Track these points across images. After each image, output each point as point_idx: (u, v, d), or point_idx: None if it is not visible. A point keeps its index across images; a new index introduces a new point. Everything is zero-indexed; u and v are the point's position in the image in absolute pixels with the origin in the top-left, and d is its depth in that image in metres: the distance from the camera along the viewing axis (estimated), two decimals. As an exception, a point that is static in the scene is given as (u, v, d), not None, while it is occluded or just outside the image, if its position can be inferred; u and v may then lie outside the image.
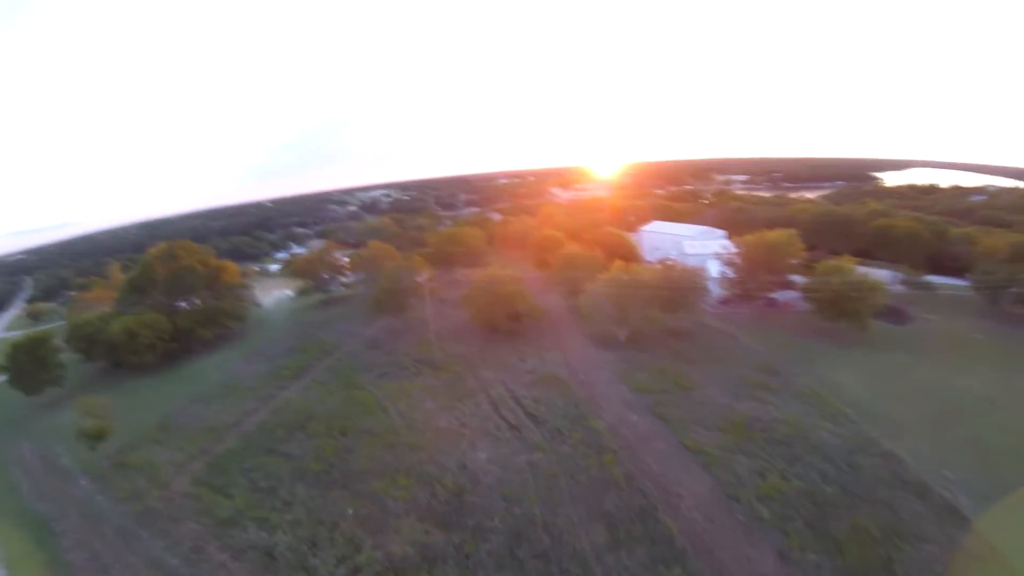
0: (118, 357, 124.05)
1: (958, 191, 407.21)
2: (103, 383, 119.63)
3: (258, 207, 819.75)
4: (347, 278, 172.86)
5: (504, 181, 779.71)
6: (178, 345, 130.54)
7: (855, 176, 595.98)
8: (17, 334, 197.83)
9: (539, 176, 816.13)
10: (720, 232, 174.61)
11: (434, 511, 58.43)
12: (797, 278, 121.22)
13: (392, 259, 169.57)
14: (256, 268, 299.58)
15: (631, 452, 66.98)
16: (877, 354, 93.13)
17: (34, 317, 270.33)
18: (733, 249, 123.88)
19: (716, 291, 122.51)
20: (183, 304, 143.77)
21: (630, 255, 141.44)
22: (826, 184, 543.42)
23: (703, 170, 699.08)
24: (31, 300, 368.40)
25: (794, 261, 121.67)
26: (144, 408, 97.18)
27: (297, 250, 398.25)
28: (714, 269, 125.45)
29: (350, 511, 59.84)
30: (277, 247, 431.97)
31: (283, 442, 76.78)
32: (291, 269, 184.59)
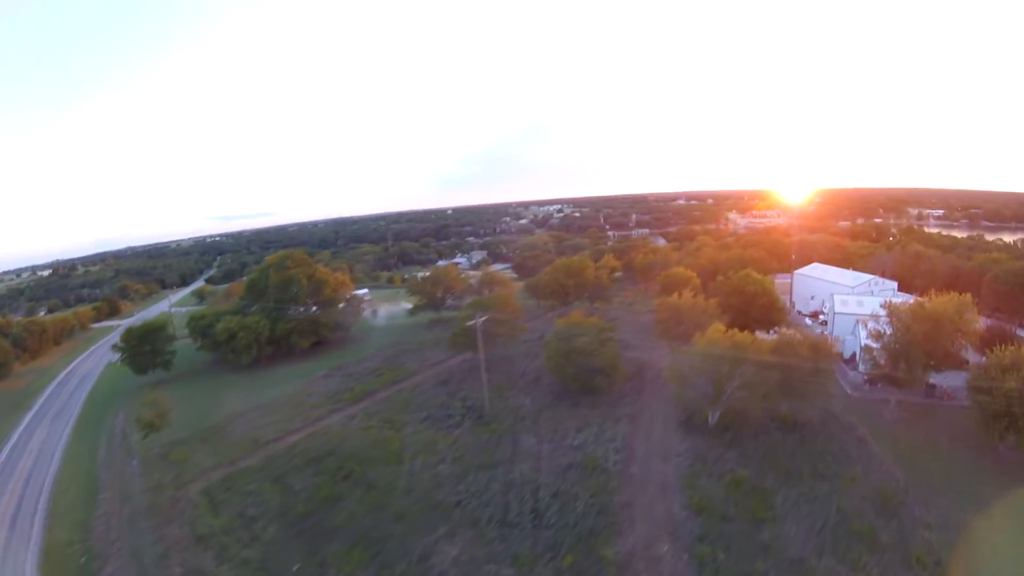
0: (221, 353, 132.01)
1: None
2: (203, 374, 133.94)
3: (439, 215, 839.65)
4: (462, 299, 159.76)
5: (682, 203, 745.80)
6: (273, 349, 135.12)
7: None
8: (184, 310, 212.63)
9: (719, 199, 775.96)
10: (890, 284, 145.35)
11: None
12: (972, 355, 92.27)
13: (506, 286, 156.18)
14: (405, 275, 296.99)
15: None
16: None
17: (200, 296, 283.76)
18: (893, 310, 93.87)
19: (862, 366, 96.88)
20: (293, 311, 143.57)
21: (770, 306, 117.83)
22: None
23: (898, 201, 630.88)
24: (209, 280, 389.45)
25: (965, 336, 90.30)
26: (218, 405, 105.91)
27: (459, 260, 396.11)
28: (865, 336, 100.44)
29: (295, 567, 56.29)
30: (442, 255, 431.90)
31: (294, 473, 75.37)
32: (410, 285, 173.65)
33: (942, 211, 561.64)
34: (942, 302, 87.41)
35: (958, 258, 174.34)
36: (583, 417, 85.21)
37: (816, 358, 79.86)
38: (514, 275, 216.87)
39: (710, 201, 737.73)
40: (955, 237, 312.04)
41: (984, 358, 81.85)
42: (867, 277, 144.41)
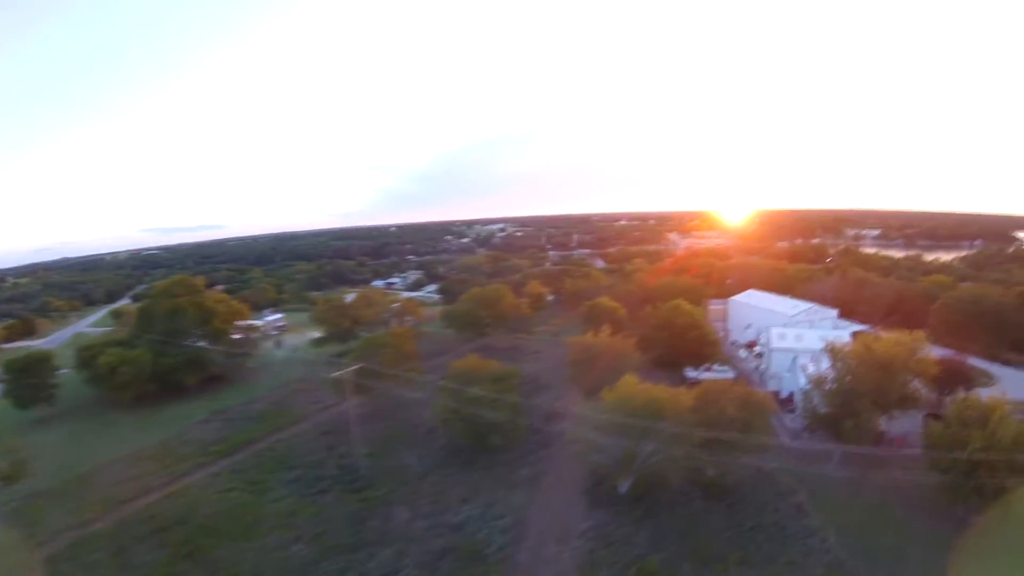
0: (103, 388, 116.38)
1: None
2: (88, 411, 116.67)
3: (381, 232, 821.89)
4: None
5: (624, 223, 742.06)
6: (158, 386, 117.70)
7: (996, 235, 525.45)
8: (97, 331, 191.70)
9: (661, 219, 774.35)
10: (830, 312, 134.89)
11: None
12: (925, 390, 78.76)
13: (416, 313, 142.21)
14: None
15: None
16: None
17: (116, 316, 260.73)
18: (837, 353, 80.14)
19: (803, 410, 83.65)
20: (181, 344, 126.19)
21: (701, 339, 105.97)
22: (965, 244, 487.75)
23: (836, 222, 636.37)
24: (136, 297, 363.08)
25: (921, 378, 76.76)
26: (93, 450, 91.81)
27: (394, 280, 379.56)
28: (805, 380, 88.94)
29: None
30: (379, 274, 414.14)
31: (138, 544, 63.39)
32: (316, 313, 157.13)
33: (879, 231, 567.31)
34: (892, 343, 75.72)
35: (901, 282, 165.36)
36: (474, 483, 71.30)
37: (749, 414, 66.10)
38: (440, 299, 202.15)
39: (652, 222, 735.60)
40: (893, 257, 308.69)
41: (938, 395, 70.36)
42: (806, 305, 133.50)
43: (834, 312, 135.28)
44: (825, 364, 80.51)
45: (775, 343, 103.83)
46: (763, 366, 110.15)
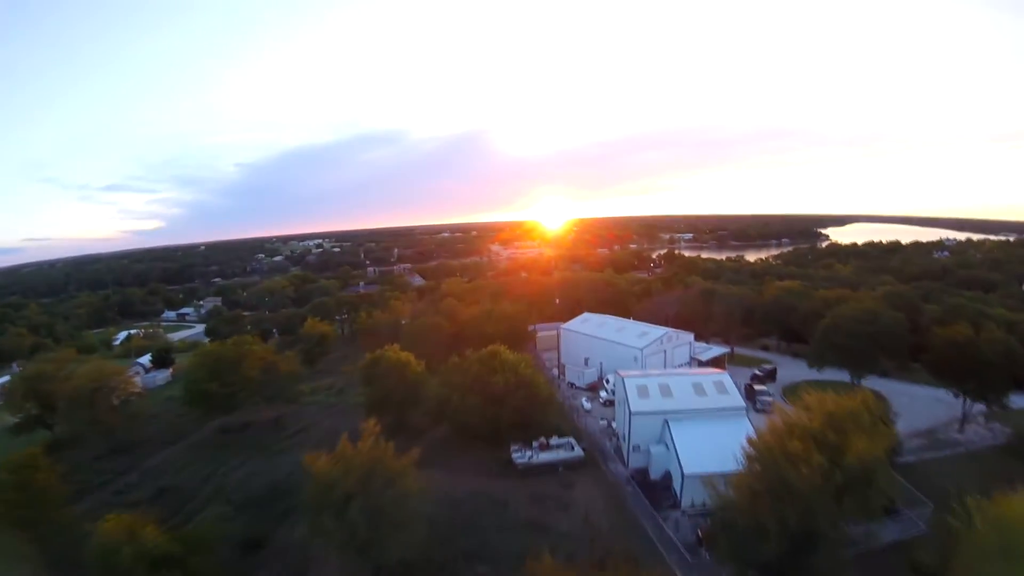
0: None
1: (919, 247, 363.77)
2: None
3: (188, 251, 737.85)
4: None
5: (447, 235, 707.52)
6: None
7: (801, 232, 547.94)
8: None
9: (483, 231, 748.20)
10: (686, 337, 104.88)
11: None
12: None
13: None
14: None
15: None
16: None
17: None
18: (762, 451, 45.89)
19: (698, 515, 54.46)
20: None
21: (531, 400, 71.26)
22: (773, 241, 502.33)
23: (648, 227, 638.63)
24: None
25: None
26: None
27: (187, 311, 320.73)
28: (692, 461, 56.49)
29: None
30: (172, 304, 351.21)
31: None
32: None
33: (691, 234, 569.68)
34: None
35: (747, 290, 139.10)
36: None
37: None
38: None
39: (474, 233, 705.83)
40: (717, 260, 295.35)
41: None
42: (658, 331, 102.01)
43: (689, 336, 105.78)
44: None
45: (635, 404, 69.14)
46: (619, 429, 76.09)
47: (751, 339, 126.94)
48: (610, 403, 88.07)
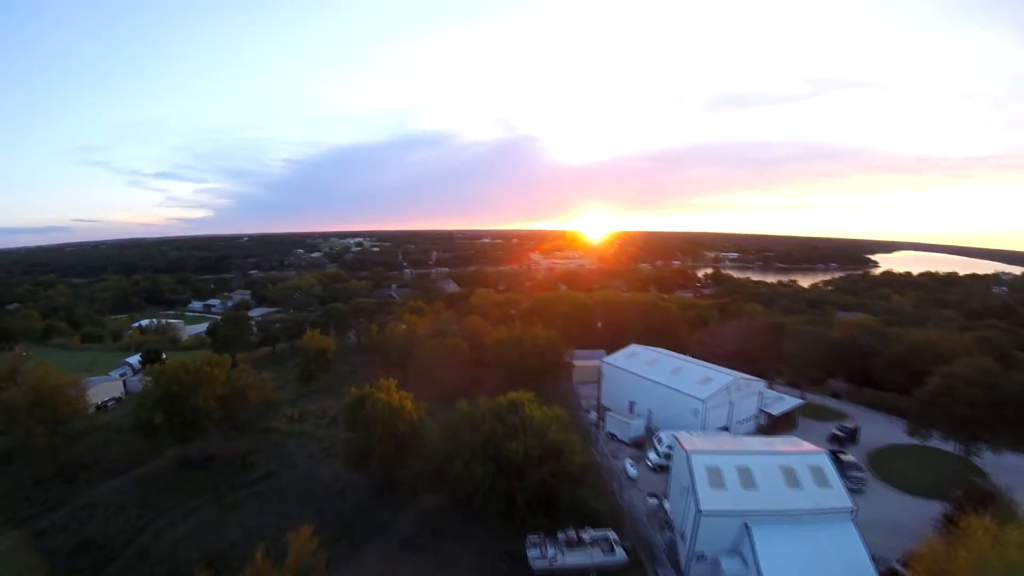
0: None
1: (977, 280, 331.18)
2: None
3: (230, 242, 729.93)
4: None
5: (487, 241, 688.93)
6: None
7: (848, 258, 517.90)
8: None
9: (523, 239, 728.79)
10: (756, 385, 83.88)
11: None
12: None
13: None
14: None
15: None
16: None
17: None
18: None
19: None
20: None
21: (560, 477, 51.98)
22: (820, 266, 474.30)
23: (691, 244, 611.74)
24: None
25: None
26: None
27: (213, 303, 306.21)
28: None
29: None
30: (200, 294, 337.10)
31: None
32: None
33: (736, 254, 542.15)
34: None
35: (820, 328, 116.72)
36: None
37: None
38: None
39: (515, 241, 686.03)
40: (769, 283, 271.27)
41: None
42: (724, 376, 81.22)
43: (760, 383, 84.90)
44: None
45: (705, 497, 48.64)
46: (675, 518, 55.76)
47: (819, 382, 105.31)
48: (661, 469, 68.12)
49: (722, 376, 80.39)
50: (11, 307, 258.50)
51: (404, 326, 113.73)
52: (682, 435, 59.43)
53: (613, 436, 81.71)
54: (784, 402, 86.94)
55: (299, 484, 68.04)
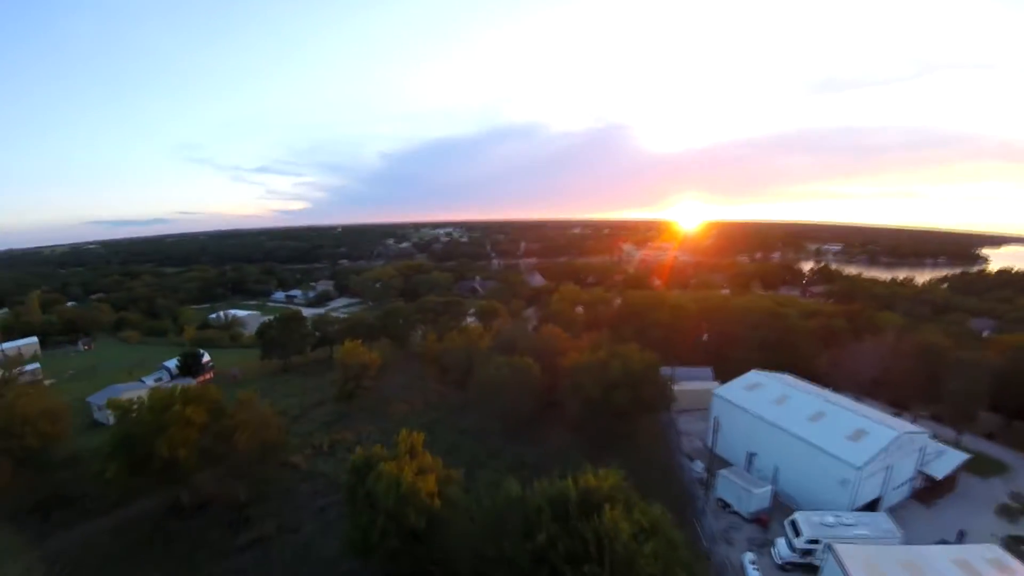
0: None
1: None
2: None
3: (323, 232, 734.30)
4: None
5: (577, 231, 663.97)
6: None
7: (957, 253, 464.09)
8: None
9: (615, 228, 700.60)
10: (919, 439, 60.11)
11: None
12: None
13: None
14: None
15: None
16: None
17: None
18: None
19: None
20: None
21: None
22: (928, 261, 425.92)
23: (792, 235, 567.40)
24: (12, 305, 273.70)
25: None
26: None
27: (295, 293, 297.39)
28: None
29: None
30: (284, 284, 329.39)
31: None
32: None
33: (840, 246, 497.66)
34: None
35: (975, 350, 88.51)
36: None
37: None
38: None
39: (606, 231, 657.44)
40: (885, 282, 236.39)
41: None
42: (885, 432, 56.66)
43: (925, 436, 60.63)
44: None
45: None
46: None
47: (972, 418, 78.56)
48: (794, 567, 46.43)
49: (881, 431, 56.34)
50: (94, 297, 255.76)
51: (462, 337, 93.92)
52: (845, 551, 37.42)
53: (725, 505, 59.11)
54: (947, 458, 61.88)
55: (296, 560, 49.99)
